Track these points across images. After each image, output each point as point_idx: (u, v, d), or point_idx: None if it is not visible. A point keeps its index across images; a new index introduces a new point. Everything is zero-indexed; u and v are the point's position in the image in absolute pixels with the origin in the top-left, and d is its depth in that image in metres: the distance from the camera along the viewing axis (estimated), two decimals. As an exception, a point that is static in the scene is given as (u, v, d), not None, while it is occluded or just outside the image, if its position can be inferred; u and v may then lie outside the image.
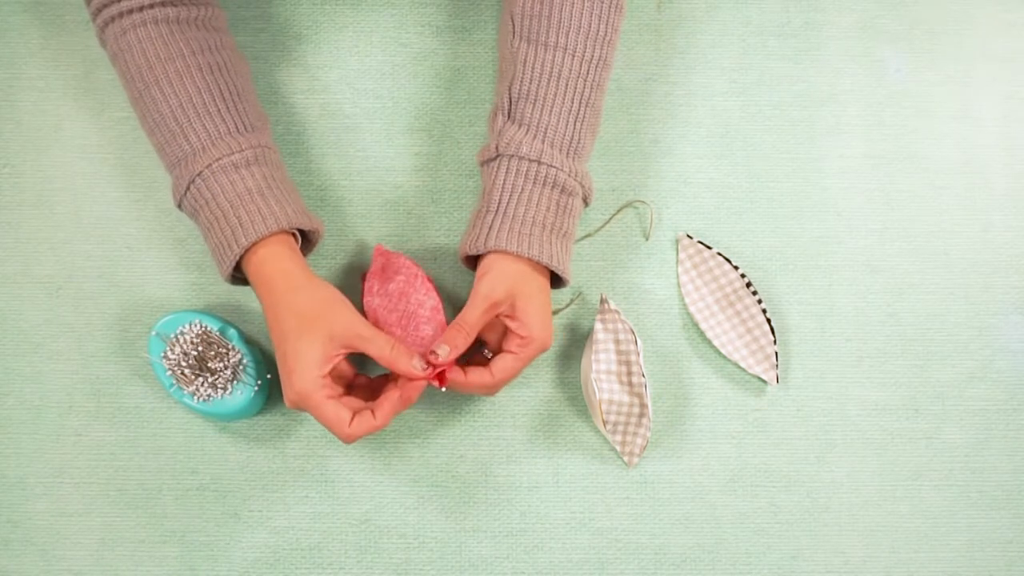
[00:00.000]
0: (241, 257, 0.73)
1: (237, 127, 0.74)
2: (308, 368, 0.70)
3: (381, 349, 0.71)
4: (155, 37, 0.73)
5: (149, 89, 0.73)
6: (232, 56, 0.78)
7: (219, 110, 0.74)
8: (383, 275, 0.80)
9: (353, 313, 0.72)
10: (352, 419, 0.71)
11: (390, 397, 0.72)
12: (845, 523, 0.82)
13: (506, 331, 0.76)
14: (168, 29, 0.74)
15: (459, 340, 0.73)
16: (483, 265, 0.75)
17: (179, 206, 0.75)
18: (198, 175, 0.73)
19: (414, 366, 0.71)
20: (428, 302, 0.79)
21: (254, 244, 0.72)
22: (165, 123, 0.73)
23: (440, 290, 0.84)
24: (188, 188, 0.73)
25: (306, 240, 0.78)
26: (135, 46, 0.73)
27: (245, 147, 0.74)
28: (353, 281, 0.84)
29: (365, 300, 0.79)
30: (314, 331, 0.70)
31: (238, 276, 0.76)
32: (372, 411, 0.72)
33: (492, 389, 0.75)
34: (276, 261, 0.73)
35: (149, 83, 0.73)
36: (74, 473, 0.81)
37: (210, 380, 0.77)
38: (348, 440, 0.71)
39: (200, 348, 0.78)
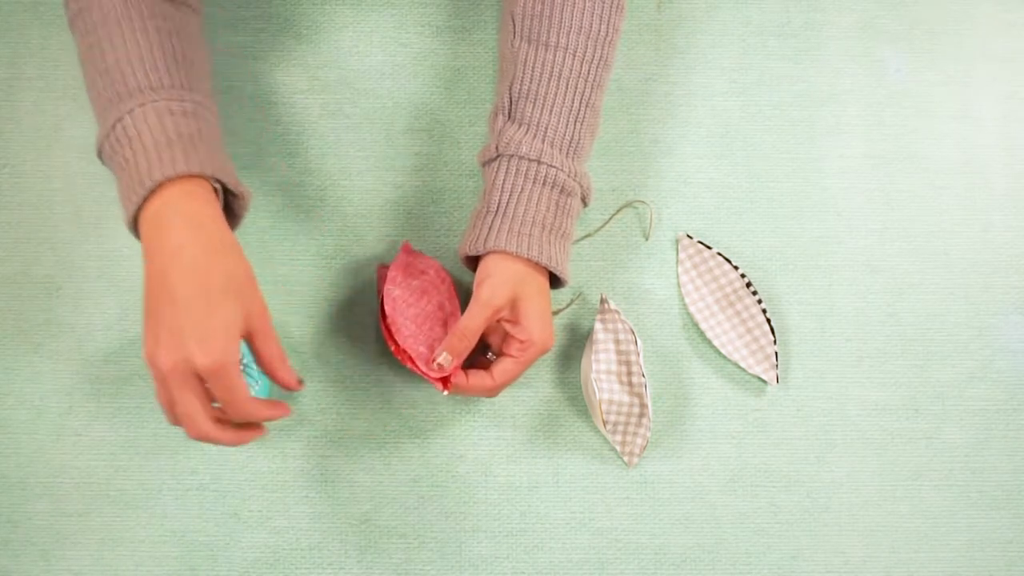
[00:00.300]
0: (151, 197, 0.65)
1: (183, 84, 0.70)
2: (232, 337, 0.63)
3: (276, 350, 0.67)
4: None
5: (100, 42, 0.70)
6: (193, 33, 0.75)
7: (167, 68, 0.70)
8: (407, 270, 0.80)
9: (264, 302, 0.67)
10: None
11: (278, 406, 0.68)
12: (845, 523, 0.82)
13: (507, 334, 0.76)
14: None
15: (461, 347, 0.73)
16: (483, 268, 0.75)
17: (100, 151, 0.69)
18: (129, 112, 0.67)
19: (292, 380, 0.68)
20: (448, 307, 0.79)
21: (175, 181, 0.65)
22: (109, 71, 0.69)
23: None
24: (114, 127, 0.67)
25: (229, 213, 0.74)
26: (95, 3, 0.70)
27: (186, 99, 0.70)
28: (353, 281, 0.84)
29: (386, 288, 0.78)
30: (240, 300, 0.64)
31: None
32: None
33: (493, 392, 0.75)
34: (208, 204, 0.66)
35: (101, 37, 0.70)
36: (74, 473, 0.81)
37: (210, 380, 0.77)
38: (243, 418, 0.64)
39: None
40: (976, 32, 0.89)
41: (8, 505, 0.80)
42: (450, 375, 0.74)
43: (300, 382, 0.68)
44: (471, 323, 0.73)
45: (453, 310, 0.80)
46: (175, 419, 0.65)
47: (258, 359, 0.67)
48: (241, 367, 0.78)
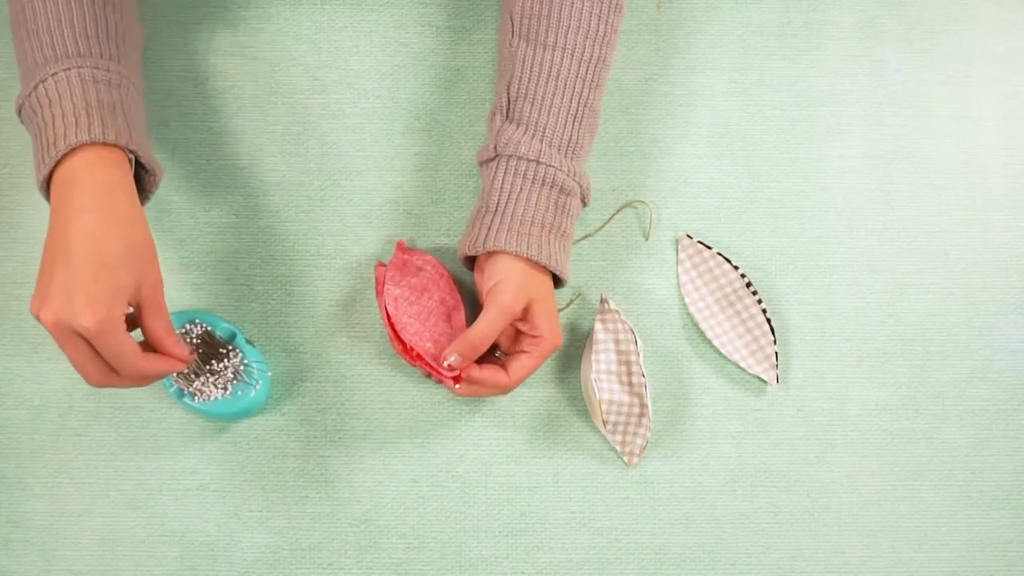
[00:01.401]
0: (64, 160, 0.66)
1: (111, 56, 0.71)
2: (118, 303, 0.64)
3: (164, 324, 0.68)
4: None
5: (33, 3, 0.70)
6: (130, 9, 0.75)
7: (97, 37, 0.71)
8: (404, 268, 0.80)
9: (161, 277, 0.69)
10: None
11: (168, 359, 0.70)
12: (845, 523, 0.82)
13: (517, 333, 0.76)
14: None
15: (473, 353, 0.73)
16: (490, 271, 0.74)
17: (19, 110, 0.70)
18: (52, 75, 0.68)
19: (183, 352, 0.70)
20: (450, 301, 0.80)
21: (89, 146, 0.66)
22: (39, 32, 0.70)
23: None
24: (36, 87, 0.68)
25: (140, 189, 0.74)
26: None
27: (112, 70, 0.71)
28: (353, 281, 0.84)
29: (386, 288, 0.78)
30: (134, 270, 0.66)
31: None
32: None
33: (508, 389, 0.76)
34: (122, 172, 0.68)
35: None
36: (74, 473, 0.81)
37: (211, 380, 0.77)
38: (137, 376, 0.66)
39: (201, 348, 0.78)
40: (976, 32, 0.89)
41: (8, 505, 0.80)
42: (461, 372, 0.74)
43: (192, 352, 0.71)
44: (488, 329, 0.73)
45: (455, 304, 0.80)
46: (82, 375, 0.67)
47: (145, 333, 0.68)
48: (242, 367, 0.78)
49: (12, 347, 0.82)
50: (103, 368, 0.66)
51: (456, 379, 0.74)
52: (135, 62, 0.75)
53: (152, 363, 0.67)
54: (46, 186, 0.68)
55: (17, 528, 0.80)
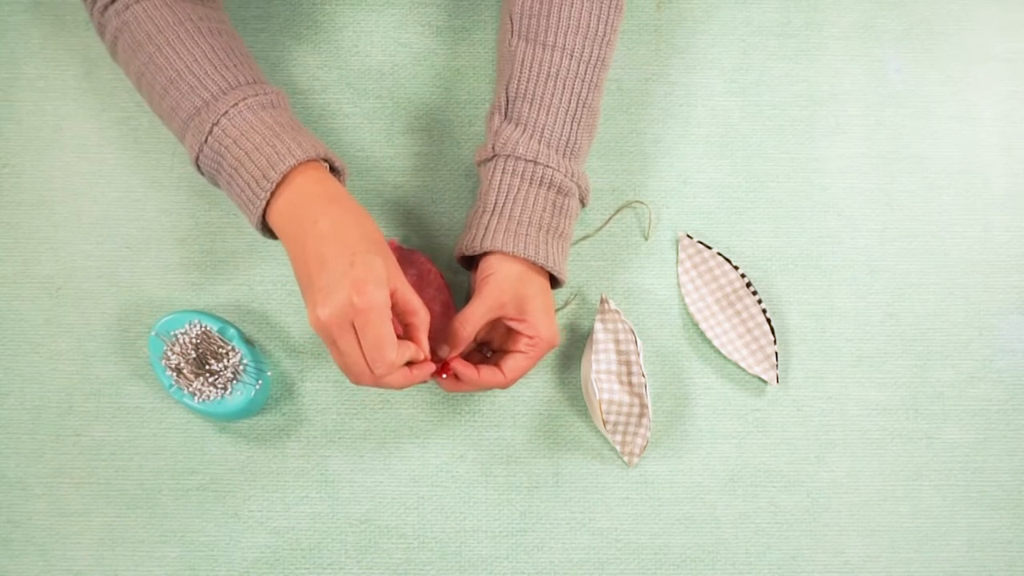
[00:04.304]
0: (276, 193, 0.69)
1: (254, 79, 0.73)
2: (382, 282, 0.65)
3: (417, 311, 0.70)
4: (159, 6, 0.73)
5: (161, 50, 0.72)
6: (231, 28, 0.77)
7: (235, 64, 0.73)
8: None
9: (399, 268, 0.71)
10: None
11: (425, 365, 0.71)
12: (845, 523, 0.82)
13: (510, 331, 0.76)
14: (172, 0, 0.73)
15: (456, 339, 0.73)
16: (484, 268, 0.75)
17: (196, 159, 0.72)
18: (223, 115, 0.70)
19: (424, 344, 0.71)
20: (440, 298, 0.80)
21: (296, 168, 0.69)
22: (181, 78, 0.71)
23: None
24: (211, 131, 0.70)
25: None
26: (140, 15, 0.72)
27: (268, 92, 0.73)
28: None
29: None
30: (381, 254, 0.68)
31: (267, 226, 0.73)
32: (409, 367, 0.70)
33: (503, 386, 0.76)
34: (332, 182, 0.70)
35: (161, 44, 0.72)
36: (74, 473, 0.81)
37: (210, 380, 0.77)
38: (384, 372, 0.66)
39: (200, 348, 0.78)
40: (976, 32, 0.89)
41: (8, 505, 0.80)
42: (447, 363, 0.74)
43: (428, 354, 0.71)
44: (470, 315, 0.73)
45: (446, 301, 0.80)
46: (351, 374, 0.67)
47: (398, 302, 0.69)
48: (242, 367, 0.78)
49: (12, 347, 0.82)
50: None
51: (442, 370, 0.74)
52: (261, 72, 0.76)
53: (399, 360, 0.67)
54: (263, 218, 0.70)
55: (17, 528, 0.80)
